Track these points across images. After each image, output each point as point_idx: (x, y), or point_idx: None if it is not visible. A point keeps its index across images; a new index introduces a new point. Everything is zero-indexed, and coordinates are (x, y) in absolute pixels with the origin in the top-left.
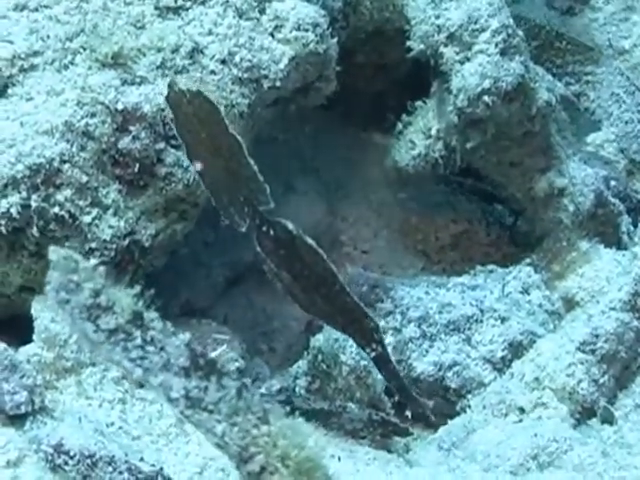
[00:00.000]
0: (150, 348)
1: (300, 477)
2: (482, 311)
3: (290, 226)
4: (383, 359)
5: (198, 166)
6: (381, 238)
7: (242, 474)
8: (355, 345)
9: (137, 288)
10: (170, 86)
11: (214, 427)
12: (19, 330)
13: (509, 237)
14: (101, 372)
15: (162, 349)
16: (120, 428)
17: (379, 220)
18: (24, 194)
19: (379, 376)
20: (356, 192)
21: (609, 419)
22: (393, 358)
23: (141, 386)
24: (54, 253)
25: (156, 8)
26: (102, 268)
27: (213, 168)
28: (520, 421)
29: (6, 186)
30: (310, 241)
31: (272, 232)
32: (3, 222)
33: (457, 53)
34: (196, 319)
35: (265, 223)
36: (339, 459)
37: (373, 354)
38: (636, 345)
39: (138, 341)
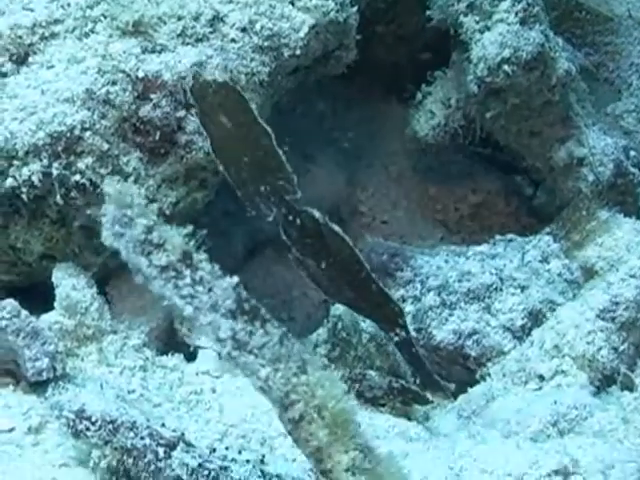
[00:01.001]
0: (199, 288)
1: (334, 429)
2: (502, 280)
3: (317, 215)
4: (406, 343)
5: (222, 158)
6: (400, 208)
7: (283, 421)
8: None
9: (189, 228)
10: (195, 77)
11: (259, 371)
12: (40, 298)
13: (528, 208)
14: (122, 340)
15: (210, 290)
16: (141, 395)
17: (398, 190)
18: (45, 162)
19: None
20: (375, 162)
21: (629, 386)
22: (416, 343)
23: (162, 353)
24: (109, 186)
25: None
26: (155, 205)
27: (239, 159)
28: (540, 389)
29: (27, 154)
30: (337, 228)
31: (298, 221)
32: (25, 190)
33: (477, 22)
34: None
35: (292, 212)
36: (359, 426)
37: (397, 338)
38: None
39: (188, 280)
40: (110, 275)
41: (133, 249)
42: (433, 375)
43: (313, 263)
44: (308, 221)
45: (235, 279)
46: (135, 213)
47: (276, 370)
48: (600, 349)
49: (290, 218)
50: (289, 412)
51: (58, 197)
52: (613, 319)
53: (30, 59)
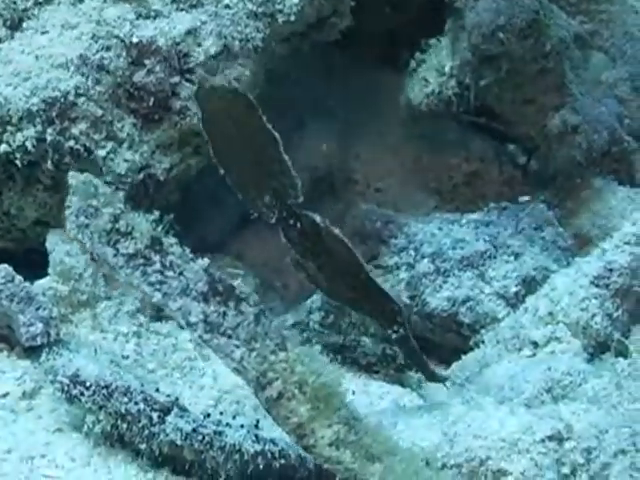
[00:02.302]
0: (169, 273)
1: (317, 403)
2: (496, 247)
3: (317, 219)
4: (405, 339)
5: (224, 162)
6: (394, 176)
7: (260, 400)
8: None
9: (156, 214)
10: (201, 82)
11: (233, 352)
12: (34, 264)
13: (522, 176)
14: (116, 306)
15: (181, 274)
16: (135, 361)
17: (392, 158)
18: (39, 127)
19: None
20: (369, 130)
21: (623, 352)
22: (413, 340)
23: (156, 320)
24: (73, 178)
25: None
26: (121, 193)
27: (242, 162)
28: (534, 355)
29: (21, 119)
30: (336, 232)
31: (299, 225)
32: (18, 156)
33: None
34: (210, 255)
35: (292, 215)
36: (353, 393)
37: (395, 335)
38: None
39: (157, 266)
40: None
41: (99, 239)
42: (430, 368)
43: (312, 265)
44: (308, 225)
45: (206, 261)
46: (101, 203)
47: (251, 350)
48: (594, 316)
49: (291, 222)
50: (267, 391)
51: (52, 163)
52: (607, 286)
53: (24, 24)
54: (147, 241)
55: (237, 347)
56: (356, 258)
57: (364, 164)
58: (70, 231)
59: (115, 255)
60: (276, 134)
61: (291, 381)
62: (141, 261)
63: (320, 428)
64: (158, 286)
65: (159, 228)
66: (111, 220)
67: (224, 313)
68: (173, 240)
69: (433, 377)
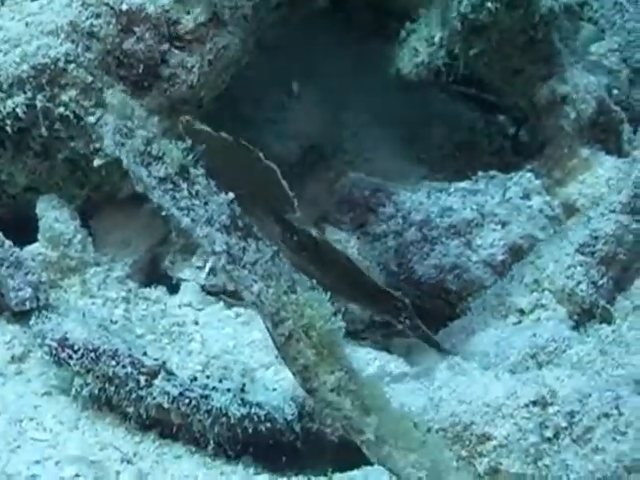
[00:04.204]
0: (196, 201)
1: (321, 349)
2: (483, 215)
3: (314, 233)
4: (415, 327)
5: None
6: (383, 147)
7: (273, 337)
8: (358, 244)
9: (188, 142)
10: (186, 125)
11: (251, 286)
12: (24, 230)
13: (511, 146)
14: (105, 271)
15: (206, 204)
16: (124, 326)
17: (381, 128)
18: (29, 94)
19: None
20: (359, 100)
21: (608, 319)
22: (423, 326)
23: (145, 285)
24: (112, 96)
25: None
26: (156, 118)
27: (240, 186)
28: (519, 322)
29: (11, 86)
30: (333, 245)
31: (295, 237)
32: (9, 122)
33: None
34: None
35: (289, 229)
36: (345, 349)
37: (401, 327)
38: (635, 247)
39: (185, 193)
40: (94, 208)
41: (134, 159)
42: (441, 346)
43: (313, 268)
44: (305, 239)
45: (230, 195)
46: (136, 124)
47: (268, 286)
48: (579, 283)
49: (287, 235)
50: (279, 328)
51: (42, 129)
52: (592, 253)
53: None
54: (177, 167)
55: (256, 282)
56: (354, 265)
57: (353, 134)
58: (107, 147)
59: (148, 176)
60: (273, 164)
61: (300, 323)
62: (170, 186)
63: (323, 373)
64: (186, 212)
65: (189, 157)
66: (144, 142)
67: (244, 248)
68: (200, 171)
69: (445, 352)
